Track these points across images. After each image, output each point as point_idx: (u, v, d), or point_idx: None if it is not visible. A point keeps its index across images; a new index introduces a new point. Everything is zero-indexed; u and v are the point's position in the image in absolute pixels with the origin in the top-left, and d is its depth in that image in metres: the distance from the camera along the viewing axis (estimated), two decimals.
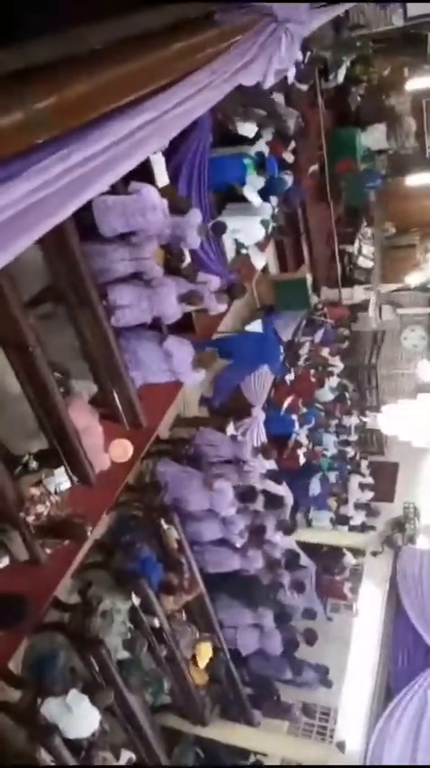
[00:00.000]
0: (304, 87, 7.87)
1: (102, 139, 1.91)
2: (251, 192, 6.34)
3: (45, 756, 4.17)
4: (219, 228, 5.57)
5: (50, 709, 4.29)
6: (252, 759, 7.64)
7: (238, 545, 6.56)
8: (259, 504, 6.61)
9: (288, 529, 7.23)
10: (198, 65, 2.58)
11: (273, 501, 6.94)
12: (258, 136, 6.58)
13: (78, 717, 4.38)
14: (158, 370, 4.83)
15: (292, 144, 7.53)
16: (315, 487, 9.51)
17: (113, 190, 4.19)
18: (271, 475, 7.03)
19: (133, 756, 5.32)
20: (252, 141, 6.51)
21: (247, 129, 6.30)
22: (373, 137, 11.23)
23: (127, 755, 5.20)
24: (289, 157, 7.51)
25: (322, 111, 9.24)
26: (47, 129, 1.84)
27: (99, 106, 2.02)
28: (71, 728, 4.36)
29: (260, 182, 6.44)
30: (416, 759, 6.21)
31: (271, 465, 7.27)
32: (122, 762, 5.09)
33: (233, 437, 6.79)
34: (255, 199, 6.37)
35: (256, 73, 3.26)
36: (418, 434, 9.77)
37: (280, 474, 7.38)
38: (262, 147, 6.60)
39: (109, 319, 4.34)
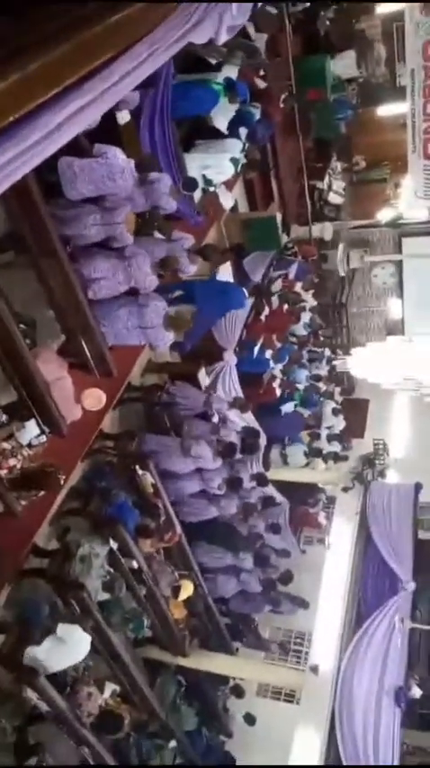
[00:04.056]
0: (273, 11, 7.46)
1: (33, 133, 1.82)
2: (221, 122, 6.04)
3: (31, 695, 4.33)
4: (191, 185, 5.43)
5: (40, 649, 4.41)
6: (231, 684, 8.11)
7: (219, 494, 6.70)
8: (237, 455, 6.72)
9: (263, 480, 7.36)
10: (138, 36, 2.42)
11: (251, 447, 7.04)
12: (224, 61, 6.21)
13: (71, 645, 4.56)
14: (131, 327, 4.70)
15: (262, 71, 7.19)
16: (287, 407, 9.47)
17: (79, 152, 4.00)
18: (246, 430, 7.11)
19: (117, 688, 5.55)
20: (217, 67, 6.16)
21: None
22: (343, 64, 10.78)
23: (111, 687, 5.42)
24: (260, 83, 7.17)
25: (290, 37, 8.80)
26: None
27: (34, 94, 1.93)
28: (65, 658, 4.56)
29: (230, 110, 6.11)
30: (383, 680, 6.65)
31: (249, 418, 7.32)
32: (107, 693, 5.32)
33: (207, 395, 6.77)
34: (224, 128, 6.10)
35: (207, 31, 3.12)
36: (387, 377, 9.89)
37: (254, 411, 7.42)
38: (230, 72, 6.17)
39: (84, 291, 4.21)
